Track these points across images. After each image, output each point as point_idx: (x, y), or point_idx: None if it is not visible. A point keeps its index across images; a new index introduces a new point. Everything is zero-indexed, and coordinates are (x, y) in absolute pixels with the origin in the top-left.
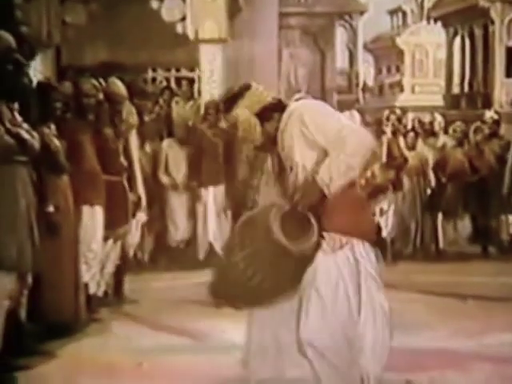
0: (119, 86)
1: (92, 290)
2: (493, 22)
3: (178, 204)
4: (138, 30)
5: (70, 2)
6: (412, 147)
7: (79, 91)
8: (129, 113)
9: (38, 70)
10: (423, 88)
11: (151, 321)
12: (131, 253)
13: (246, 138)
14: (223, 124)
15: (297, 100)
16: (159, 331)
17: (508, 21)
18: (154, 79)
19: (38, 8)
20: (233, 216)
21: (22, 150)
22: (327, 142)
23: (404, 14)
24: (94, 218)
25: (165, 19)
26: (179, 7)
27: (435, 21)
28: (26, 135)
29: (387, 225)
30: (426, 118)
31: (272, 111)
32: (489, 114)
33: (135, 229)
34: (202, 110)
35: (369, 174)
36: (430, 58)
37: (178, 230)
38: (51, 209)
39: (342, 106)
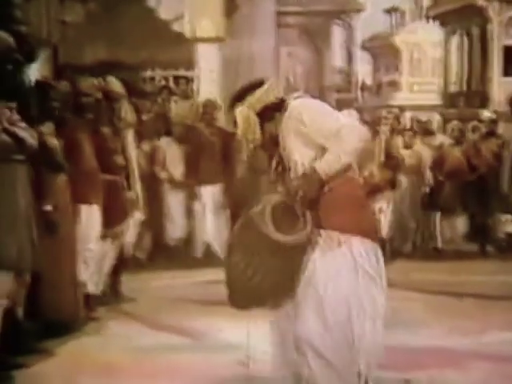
0: (117, 85)
1: (90, 288)
2: (490, 21)
3: (175, 202)
4: (136, 29)
5: (69, 2)
6: (410, 146)
7: (77, 90)
8: (127, 111)
9: (35, 69)
10: (421, 87)
11: (149, 320)
12: (129, 251)
13: (245, 137)
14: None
15: (295, 99)
16: (157, 330)
17: (505, 20)
18: (152, 78)
19: (38, 7)
20: (231, 215)
21: (19, 149)
22: (326, 141)
23: (402, 12)
24: (91, 216)
25: (162, 18)
26: (177, 6)
27: (433, 19)
28: (23, 134)
29: (386, 223)
30: (424, 117)
31: (274, 111)
32: (486, 113)
33: (132, 227)
34: (200, 109)
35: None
36: (427, 56)
37: (176, 229)
38: (49, 208)
39: (340, 105)
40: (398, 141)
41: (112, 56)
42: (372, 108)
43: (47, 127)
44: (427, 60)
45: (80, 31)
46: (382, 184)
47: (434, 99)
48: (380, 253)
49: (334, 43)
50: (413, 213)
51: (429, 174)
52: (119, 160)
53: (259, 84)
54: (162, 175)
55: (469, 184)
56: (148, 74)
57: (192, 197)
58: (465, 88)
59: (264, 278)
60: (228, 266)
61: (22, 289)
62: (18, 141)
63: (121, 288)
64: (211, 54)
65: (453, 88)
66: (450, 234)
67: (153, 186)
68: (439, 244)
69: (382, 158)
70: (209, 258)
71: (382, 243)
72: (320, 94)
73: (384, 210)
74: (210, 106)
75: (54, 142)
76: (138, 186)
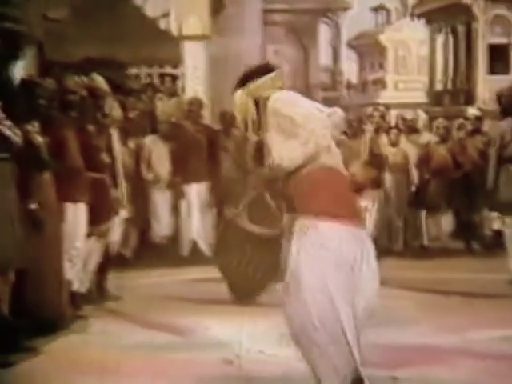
0: (101, 82)
1: (75, 286)
2: (475, 19)
3: (161, 200)
4: (122, 26)
5: None
6: (395, 144)
7: (63, 88)
8: (112, 108)
9: (21, 67)
10: (406, 85)
11: (135, 317)
12: (115, 249)
13: (240, 124)
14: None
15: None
16: (143, 328)
17: (490, 18)
18: (137, 76)
19: (22, 4)
20: (217, 213)
21: (4, 147)
22: (297, 129)
23: (388, 11)
24: (77, 214)
25: (149, 15)
26: (163, 4)
27: (418, 18)
28: (8, 132)
29: (371, 222)
30: (410, 115)
31: (266, 100)
32: (471, 111)
33: (118, 225)
34: (186, 107)
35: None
36: (412, 54)
37: (162, 227)
38: (35, 206)
39: (326, 103)
40: (384, 139)
41: (98, 53)
42: (358, 106)
43: (33, 125)
44: (413, 58)
45: (65, 28)
46: (366, 182)
47: (420, 97)
48: (364, 236)
49: (320, 41)
50: (399, 211)
51: (414, 172)
52: (105, 158)
53: (265, 67)
54: (149, 176)
55: (454, 182)
56: (133, 71)
57: (178, 195)
58: (450, 86)
59: (256, 268)
60: (222, 267)
61: (5, 287)
62: (3, 139)
63: (107, 286)
64: (197, 51)
65: (438, 86)
66: (435, 231)
67: (139, 183)
68: (425, 242)
69: (367, 157)
70: (195, 256)
71: None
72: (306, 91)
73: (369, 209)
74: (195, 104)
75: (39, 139)
76: (122, 184)
